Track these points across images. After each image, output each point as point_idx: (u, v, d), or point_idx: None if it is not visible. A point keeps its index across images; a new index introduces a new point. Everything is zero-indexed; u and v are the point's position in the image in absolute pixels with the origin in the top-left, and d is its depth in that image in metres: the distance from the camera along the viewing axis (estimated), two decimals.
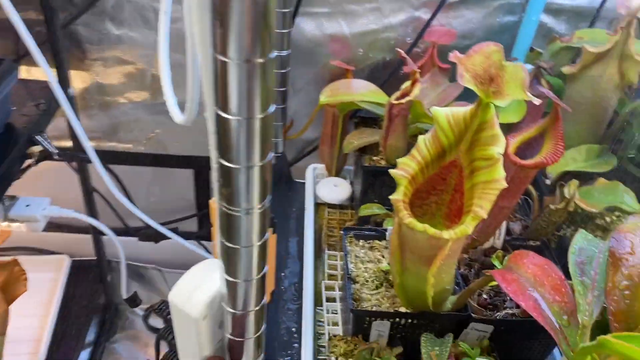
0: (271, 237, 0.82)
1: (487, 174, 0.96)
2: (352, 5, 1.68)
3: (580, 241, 1.05)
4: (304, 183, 1.87)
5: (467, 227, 0.96)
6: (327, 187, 1.79)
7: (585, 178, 1.53)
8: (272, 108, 0.56)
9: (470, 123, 0.95)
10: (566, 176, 1.54)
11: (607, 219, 1.46)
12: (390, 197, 1.01)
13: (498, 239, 1.37)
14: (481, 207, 0.96)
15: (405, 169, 1.01)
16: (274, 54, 0.52)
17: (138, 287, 2.39)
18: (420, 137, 1.01)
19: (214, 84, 0.54)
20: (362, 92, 1.56)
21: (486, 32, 1.75)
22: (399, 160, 1.02)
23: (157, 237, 1.90)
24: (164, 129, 1.97)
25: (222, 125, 0.56)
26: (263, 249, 0.69)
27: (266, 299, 0.82)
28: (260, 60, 0.51)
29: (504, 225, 1.35)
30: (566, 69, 1.43)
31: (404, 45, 1.75)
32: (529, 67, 1.63)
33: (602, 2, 1.66)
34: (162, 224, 2.09)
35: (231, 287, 0.71)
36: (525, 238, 1.37)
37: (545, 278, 1.02)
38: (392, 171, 1.01)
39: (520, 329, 1.19)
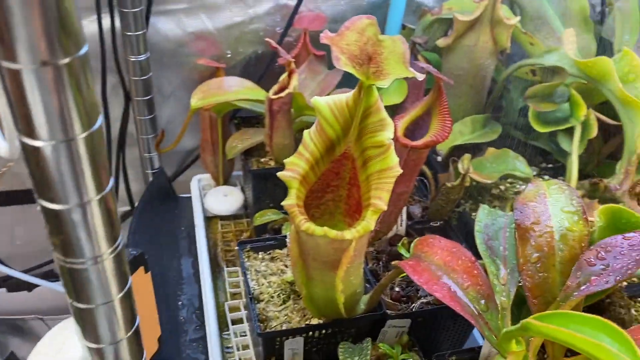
0: (143, 279, 0.68)
1: (380, 162, 0.88)
2: None
3: (484, 217, 1.00)
4: (190, 197, 1.71)
5: (369, 222, 0.88)
6: (216, 198, 1.64)
7: (474, 150, 1.52)
8: (98, 122, 0.42)
9: (354, 110, 0.86)
10: (456, 150, 1.52)
11: (502, 187, 1.45)
12: (283, 203, 0.90)
13: (401, 226, 1.31)
14: (380, 198, 0.88)
15: (294, 170, 0.90)
16: (84, 49, 0.38)
17: (19, 342, 2.09)
18: (306, 132, 0.91)
19: (7, 102, 0.39)
20: (236, 90, 1.43)
21: (356, 12, 1.67)
22: (287, 161, 0.91)
23: (29, 284, 1.66)
24: (18, 161, 1.71)
25: (31, 156, 0.41)
26: (128, 299, 0.54)
27: (153, 348, 0.68)
28: (65, 60, 0.37)
29: (404, 210, 1.29)
30: (441, 42, 1.40)
31: (274, 35, 1.64)
32: None
33: None
34: (34, 268, 1.83)
35: (96, 354, 0.56)
36: (426, 220, 1.33)
37: (456, 262, 0.96)
38: (280, 174, 0.90)
39: (437, 317, 1.13)
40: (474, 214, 1.41)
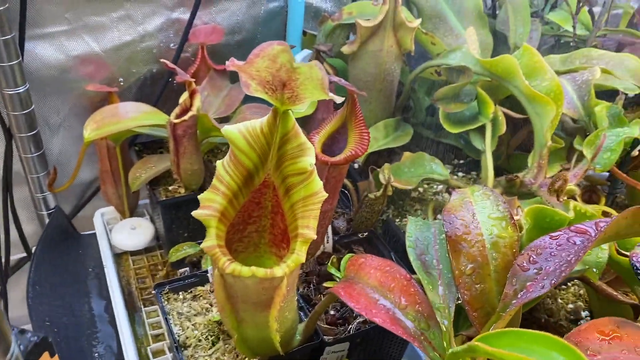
0: None
1: (304, 189, 0.82)
2: (95, 17, 1.40)
3: (414, 231, 0.98)
4: (94, 234, 1.56)
5: (299, 254, 0.82)
6: (123, 232, 1.51)
7: (390, 153, 1.51)
8: None
9: (271, 137, 0.79)
10: (372, 156, 1.51)
11: (420, 189, 1.45)
12: (202, 245, 0.81)
13: (327, 243, 1.26)
14: (308, 227, 0.83)
15: (210, 207, 0.82)
16: None
17: None
18: (219, 163, 0.83)
19: None
20: (133, 116, 1.31)
21: (254, 22, 1.61)
22: (201, 197, 0.82)
23: None
24: None
25: None
26: None
27: None
28: None
29: (329, 227, 1.25)
30: (345, 49, 1.37)
31: (169, 52, 1.53)
32: (308, 52, 1.55)
33: None
34: None
35: None
36: (352, 233, 1.29)
37: (391, 282, 0.92)
38: (195, 213, 0.81)
39: (376, 335, 1.10)
40: (397, 220, 1.39)
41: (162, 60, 1.18)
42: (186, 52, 1.57)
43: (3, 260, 1.59)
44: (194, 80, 1.21)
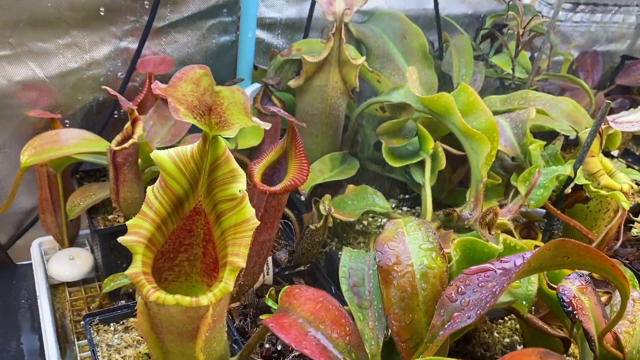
0: None
1: (235, 216, 0.82)
2: (40, 43, 1.39)
3: (347, 261, 0.98)
4: (31, 264, 1.51)
5: (227, 283, 0.81)
6: (60, 262, 1.46)
7: (336, 186, 1.52)
8: None
9: (201, 163, 0.79)
10: (319, 188, 1.51)
11: (365, 222, 1.46)
12: (127, 272, 0.79)
13: (267, 274, 1.25)
14: (237, 255, 0.82)
15: (137, 233, 0.81)
16: None
17: None
18: (149, 189, 0.82)
19: None
20: (74, 143, 1.29)
21: (205, 55, 1.63)
22: (129, 223, 0.81)
23: None
24: None
25: None
26: None
27: None
28: None
29: (269, 258, 1.24)
30: (292, 83, 1.39)
31: (116, 81, 1.52)
32: (257, 85, 1.56)
33: (310, 12, 1.67)
34: None
35: None
36: (294, 265, 1.28)
37: (324, 313, 0.91)
38: (121, 239, 0.80)
39: None
40: (340, 252, 1.39)
41: (104, 87, 1.17)
42: (134, 81, 1.56)
43: None
44: (135, 108, 1.21)
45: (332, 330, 0.88)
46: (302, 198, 1.55)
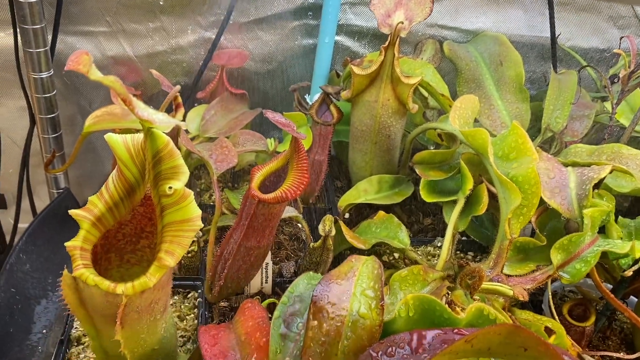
0: None
1: (176, 213, 0.81)
2: (133, 24, 1.51)
3: (301, 286, 0.91)
4: None
5: (149, 278, 0.80)
6: None
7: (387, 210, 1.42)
8: None
9: (146, 154, 0.79)
10: (366, 209, 1.44)
11: (380, 252, 1.34)
12: (67, 243, 0.83)
13: (266, 283, 1.22)
14: (170, 253, 0.81)
15: (89, 210, 0.84)
16: None
17: None
18: (111, 174, 0.86)
19: None
20: (133, 118, 1.37)
21: (285, 55, 1.63)
22: (89, 199, 0.85)
23: None
24: None
25: None
26: None
27: None
28: None
29: (269, 267, 1.20)
30: (344, 94, 1.33)
31: (197, 68, 1.59)
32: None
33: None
34: None
35: None
36: (294, 279, 1.23)
37: (258, 334, 0.86)
38: (72, 212, 0.84)
39: None
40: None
41: (151, 70, 1.24)
42: (214, 71, 1.61)
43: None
44: (177, 93, 1.25)
45: (252, 355, 0.82)
46: (347, 216, 1.48)
